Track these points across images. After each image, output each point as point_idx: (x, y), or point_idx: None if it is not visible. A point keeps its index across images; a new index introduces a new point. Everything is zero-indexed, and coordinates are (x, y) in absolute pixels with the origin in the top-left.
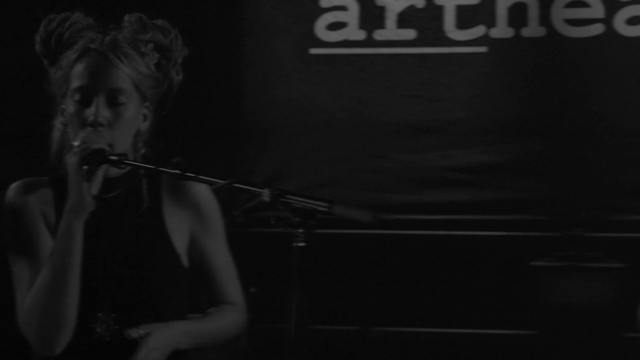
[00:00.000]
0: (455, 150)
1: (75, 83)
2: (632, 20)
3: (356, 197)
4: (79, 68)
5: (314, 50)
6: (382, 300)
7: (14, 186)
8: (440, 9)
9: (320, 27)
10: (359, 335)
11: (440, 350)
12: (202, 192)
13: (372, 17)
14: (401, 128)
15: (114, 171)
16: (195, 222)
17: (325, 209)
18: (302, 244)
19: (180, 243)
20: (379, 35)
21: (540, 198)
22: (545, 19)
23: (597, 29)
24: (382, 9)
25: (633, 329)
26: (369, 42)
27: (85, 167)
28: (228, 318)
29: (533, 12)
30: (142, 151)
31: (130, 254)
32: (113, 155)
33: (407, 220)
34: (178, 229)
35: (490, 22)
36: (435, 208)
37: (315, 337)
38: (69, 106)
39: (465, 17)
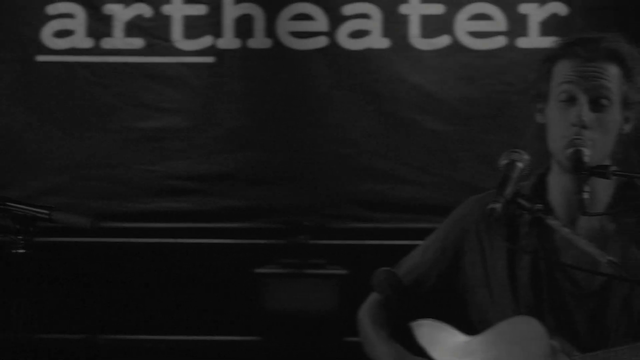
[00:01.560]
0: (180, 159)
1: None
2: (355, 34)
3: (81, 205)
4: None
5: (40, 58)
6: (108, 308)
7: None
8: (167, 18)
9: (47, 35)
10: (84, 343)
11: (167, 357)
12: None
13: (99, 25)
14: (128, 136)
15: None
16: None
17: (45, 216)
18: (22, 251)
19: None
20: (106, 43)
21: (264, 206)
22: (271, 30)
23: (321, 41)
24: (109, 17)
25: (354, 333)
26: (96, 50)
27: None
28: None
29: (259, 24)
30: None
31: None
32: None
33: (131, 228)
34: None
35: (217, 33)
36: (160, 216)
37: (40, 346)
38: None
39: (193, 27)
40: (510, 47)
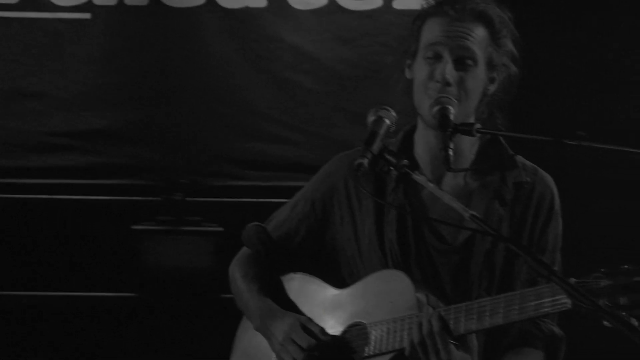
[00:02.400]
0: (57, 115)
1: None
2: None
3: None
4: None
5: None
6: None
7: None
8: None
9: None
10: None
11: (43, 313)
12: None
13: None
14: (3, 93)
15: None
16: None
17: None
18: None
19: None
20: None
21: (141, 163)
22: None
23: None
24: None
25: (229, 290)
26: None
27: None
28: None
29: None
30: None
31: None
32: None
33: (7, 184)
34: None
35: None
36: (38, 172)
37: None
38: None
39: None
40: (387, 9)
